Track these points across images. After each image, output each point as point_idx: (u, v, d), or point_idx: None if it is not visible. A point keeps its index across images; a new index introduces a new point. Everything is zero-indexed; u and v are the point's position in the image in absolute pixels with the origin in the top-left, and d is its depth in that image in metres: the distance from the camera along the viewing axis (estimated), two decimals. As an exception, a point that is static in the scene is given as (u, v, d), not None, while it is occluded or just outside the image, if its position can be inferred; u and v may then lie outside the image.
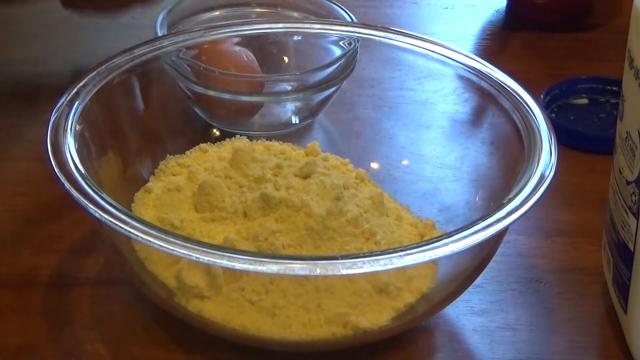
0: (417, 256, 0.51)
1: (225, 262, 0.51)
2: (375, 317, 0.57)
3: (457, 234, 0.53)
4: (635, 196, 0.55)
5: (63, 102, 0.60)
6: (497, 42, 0.90)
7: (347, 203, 0.61)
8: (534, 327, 0.61)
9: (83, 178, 0.55)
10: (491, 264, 0.59)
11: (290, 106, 0.75)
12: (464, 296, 0.60)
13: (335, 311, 0.56)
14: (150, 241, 0.51)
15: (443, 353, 0.60)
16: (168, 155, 0.67)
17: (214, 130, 0.73)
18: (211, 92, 0.71)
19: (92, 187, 0.54)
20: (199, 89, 0.72)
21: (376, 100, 0.74)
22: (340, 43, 0.73)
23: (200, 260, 0.51)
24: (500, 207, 0.54)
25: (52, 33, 0.88)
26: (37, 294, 0.62)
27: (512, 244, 0.66)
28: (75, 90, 0.61)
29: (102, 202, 0.53)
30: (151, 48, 0.67)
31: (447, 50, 0.67)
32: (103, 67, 0.64)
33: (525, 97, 0.63)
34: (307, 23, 0.73)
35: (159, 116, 0.71)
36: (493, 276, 0.64)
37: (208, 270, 0.57)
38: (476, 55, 0.67)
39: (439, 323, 0.61)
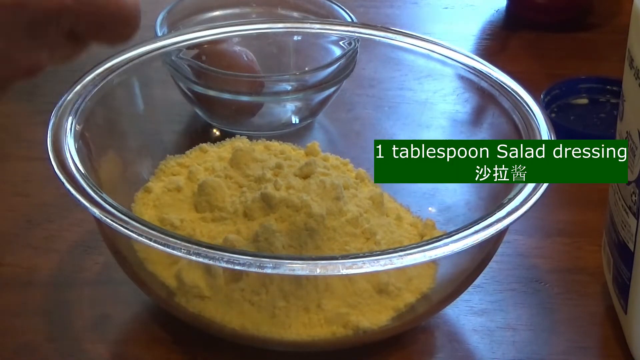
0: (417, 256, 0.51)
1: (225, 262, 0.51)
2: (375, 317, 0.57)
3: (457, 234, 0.53)
4: (635, 196, 0.55)
5: (63, 102, 0.60)
6: (497, 42, 0.90)
7: (347, 203, 0.61)
8: (534, 327, 0.61)
9: (83, 178, 0.55)
10: (491, 264, 0.59)
11: (290, 106, 0.75)
12: (464, 296, 0.60)
13: (335, 311, 0.56)
14: (150, 241, 0.51)
15: (443, 353, 0.60)
16: (168, 155, 0.67)
17: (214, 130, 0.73)
18: (211, 92, 0.71)
19: (92, 187, 0.54)
20: (199, 89, 0.72)
21: (376, 100, 0.74)
22: (340, 43, 0.73)
23: (200, 260, 0.51)
24: (500, 207, 0.54)
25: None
26: (37, 294, 0.62)
27: (512, 244, 0.66)
28: (75, 90, 0.61)
29: (102, 202, 0.53)
30: (151, 48, 0.66)
31: (447, 50, 0.67)
32: (103, 67, 0.64)
33: (525, 97, 0.63)
34: (307, 23, 0.73)
35: (159, 116, 0.71)
36: (493, 276, 0.64)
37: (208, 270, 0.56)
38: (476, 55, 0.67)
39: (439, 323, 0.61)
